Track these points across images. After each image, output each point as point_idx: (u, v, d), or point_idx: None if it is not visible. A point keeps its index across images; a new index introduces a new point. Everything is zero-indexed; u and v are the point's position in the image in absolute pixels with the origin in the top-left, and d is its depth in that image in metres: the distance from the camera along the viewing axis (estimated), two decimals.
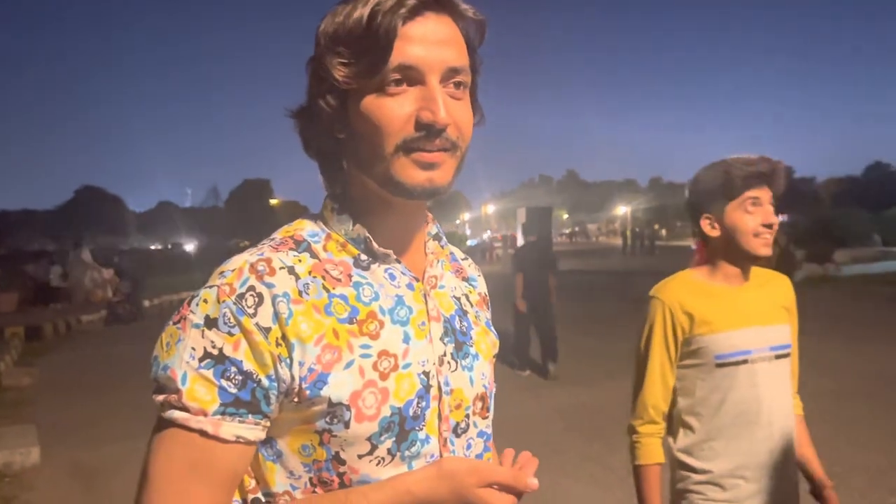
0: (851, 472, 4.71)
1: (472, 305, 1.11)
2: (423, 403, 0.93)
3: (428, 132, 0.87)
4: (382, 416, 0.89)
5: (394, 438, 0.90)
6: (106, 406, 7.49)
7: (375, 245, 0.95)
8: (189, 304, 0.87)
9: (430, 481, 0.87)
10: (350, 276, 0.93)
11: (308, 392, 0.85)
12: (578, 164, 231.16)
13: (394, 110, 0.87)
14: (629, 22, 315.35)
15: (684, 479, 1.91)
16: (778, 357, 1.90)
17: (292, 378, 0.84)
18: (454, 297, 1.06)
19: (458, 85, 0.90)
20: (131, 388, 8.00)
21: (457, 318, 1.04)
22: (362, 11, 0.85)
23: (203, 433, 0.82)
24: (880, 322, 11.52)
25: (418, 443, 0.92)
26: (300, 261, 0.90)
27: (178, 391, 0.83)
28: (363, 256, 0.96)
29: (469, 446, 1.00)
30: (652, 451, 1.92)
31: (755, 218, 1.83)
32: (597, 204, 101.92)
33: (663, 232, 70.25)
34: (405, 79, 0.87)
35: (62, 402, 7.90)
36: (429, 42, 0.86)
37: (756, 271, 1.97)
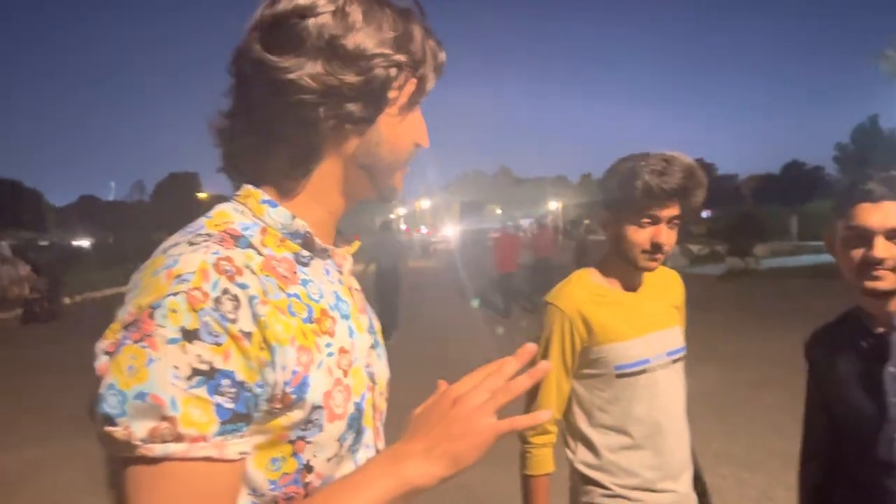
0: (769, 458, 4.92)
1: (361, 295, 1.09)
2: (367, 396, 0.95)
3: (416, 152, 0.99)
4: (349, 414, 0.89)
5: (354, 435, 0.91)
6: (21, 407, 7.16)
7: (318, 241, 0.93)
8: (151, 318, 0.75)
9: (410, 450, 0.83)
10: (295, 273, 0.89)
11: (293, 396, 0.81)
12: (511, 160, 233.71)
13: (420, 126, 0.98)
14: (560, 19, 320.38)
15: (588, 493, 1.85)
16: (675, 361, 1.88)
17: (276, 383, 0.80)
18: (355, 288, 1.05)
19: None
20: (48, 388, 7.75)
21: (367, 307, 1.06)
22: (434, 45, 0.95)
23: (207, 460, 0.74)
24: (796, 313, 12.05)
25: (363, 435, 0.95)
26: (249, 258, 0.84)
27: (169, 418, 0.72)
28: (304, 253, 0.93)
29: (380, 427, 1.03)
30: (543, 461, 1.85)
31: (644, 234, 1.76)
32: (529, 200, 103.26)
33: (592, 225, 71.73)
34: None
35: None
36: None
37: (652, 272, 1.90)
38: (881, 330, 1.57)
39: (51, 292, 16.01)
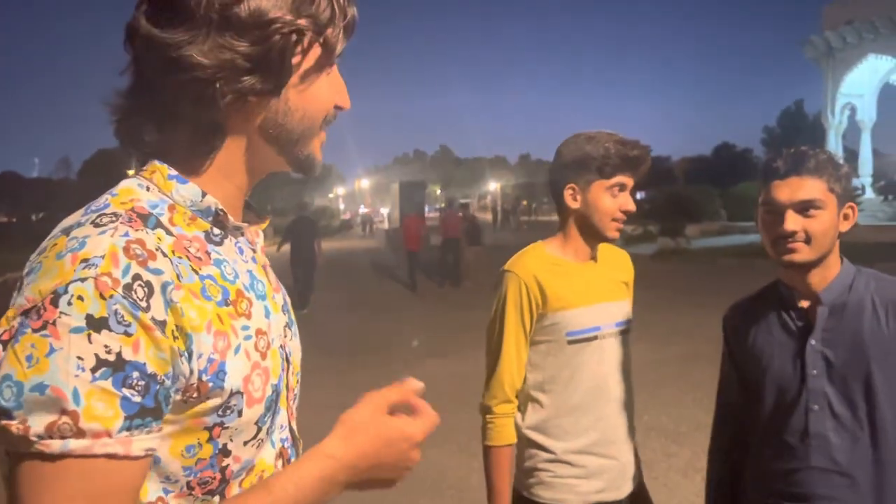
0: (696, 430, 5.10)
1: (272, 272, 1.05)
2: (283, 376, 0.92)
3: (333, 115, 0.93)
4: (267, 397, 0.86)
5: (271, 416, 0.89)
6: None
7: (231, 218, 0.89)
8: (53, 304, 0.69)
9: (347, 438, 0.83)
10: (208, 253, 0.85)
11: (210, 384, 0.78)
12: (451, 140, 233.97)
13: (328, 90, 0.91)
14: (499, 3, 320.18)
15: (533, 458, 1.90)
16: (622, 332, 1.97)
17: (191, 372, 0.76)
18: (268, 266, 1.02)
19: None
20: None
21: (279, 286, 1.03)
22: (343, 2, 0.88)
23: (110, 457, 0.70)
24: (724, 291, 12.46)
25: (278, 416, 0.93)
26: (160, 239, 0.79)
27: (70, 412, 0.67)
28: (215, 231, 0.88)
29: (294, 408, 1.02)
30: (505, 431, 1.89)
31: (617, 201, 1.87)
32: (469, 180, 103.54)
33: (534, 206, 72.60)
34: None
35: None
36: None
37: (601, 246, 2.00)
38: (804, 303, 1.62)
39: None
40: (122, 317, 0.71)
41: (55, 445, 0.68)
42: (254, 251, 0.96)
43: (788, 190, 1.57)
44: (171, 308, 0.75)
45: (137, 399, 0.71)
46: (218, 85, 0.80)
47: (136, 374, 0.71)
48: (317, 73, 0.88)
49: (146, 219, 0.81)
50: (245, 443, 0.85)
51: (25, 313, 0.71)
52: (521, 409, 1.93)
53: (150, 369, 0.72)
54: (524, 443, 1.92)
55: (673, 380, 6.59)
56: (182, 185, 0.86)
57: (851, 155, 26.11)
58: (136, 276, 0.73)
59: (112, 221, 0.77)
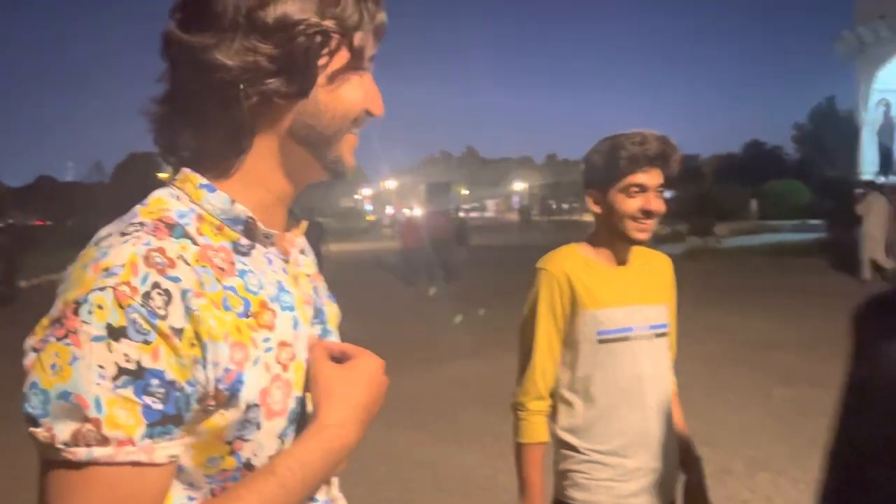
0: (724, 431, 5.05)
1: (315, 279, 1.05)
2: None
3: (364, 119, 0.93)
4: (290, 410, 0.86)
5: (295, 429, 0.88)
6: None
7: (261, 226, 0.89)
8: (75, 314, 0.72)
9: (329, 400, 0.86)
10: (233, 263, 0.85)
11: (227, 394, 0.78)
12: (477, 141, 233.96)
13: (358, 93, 0.90)
14: (525, 3, 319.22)
15: (567, 459, 1.89)
16: (657, 336, 1.93)
17: (208, 380, 0.77)
18: (307, 274, 1.01)
19: None
20: (1, 374, 7.68)
21: (314, 296, 1.01)
22: (372, 6, 0.88)
23: (135, 464, 0.72)
24: (753, 291, 12.32)
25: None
26: (184, 249, 0.80)
27: (93, 420, 0.70)
28: (244, 241, 0.88)
29: None
30: (537, 429, 1.89)
31: (635, 202, 1.83)
32: (495, 180, 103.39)
33: (565, 206, 72.20)
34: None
35: None
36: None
37: (638, 250, 1.97)
38: None
39: (6, 275, 15.60)
40: (141, 325, 0.72)
41: (81, 453, 0.70)
42: (286, 261, 0.95)
43: None
44: (191, 315, 0.76)
45: (159, 406, 0.73)
46: (242, 86, 0.81)
47: (155, 382, 0.73)
48: (345, 75, 0.88)
49: (172, 228, 0.82)
50: (270, 457, 0.85)
51: (53, 322, 0.74)
52: (554, 410, 1.92)
53: (169, 376, 0.73)
54: (558, 444, 1.91)
55: (699, 380, 6.52)
56: (211, 193, 0.87)
57: (886, 152, 25.58)
58: (155, 285, 0.74)
59: (136, 231, 0.79)
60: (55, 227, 47.64)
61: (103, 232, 0.82)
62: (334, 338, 1.02)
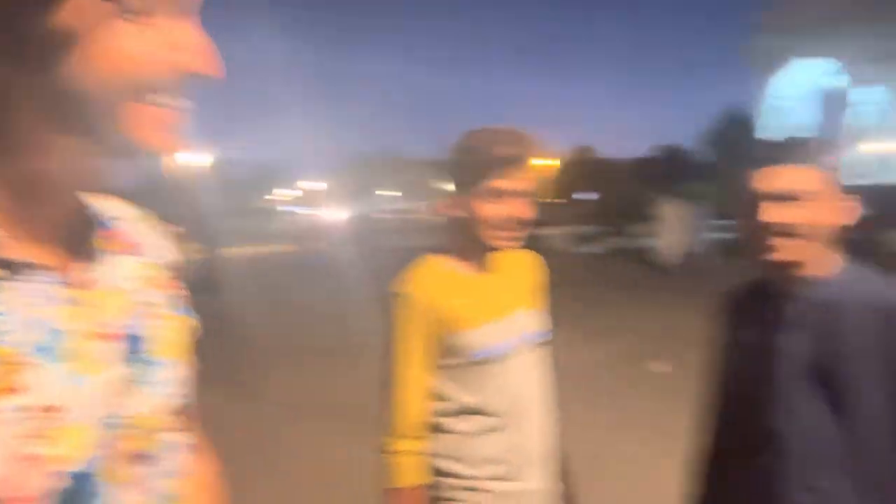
0: (645, 427, 5.18)
1: (157, 291, 0.80)
2: (101, 453, 0.68)
3: (175, 81, 0.65)
4: (53, 490, 0.62)
5: None
6: None
7: (15, 251, 0.63)
8: None
9: None
10: None
11: None
12: (401, 142, 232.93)
13: (184, 43, 0.64)
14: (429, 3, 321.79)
15: (440, 487, 1.73)
16: (536, 346, 1.81)
17: None
18: (130, 292, 0.76)
19: None
20: None
21: (135, 322, 0.75)
22: None
23: None
24: (667, 289, 12.80)
25: (101, 498, 0.68)
26: None
27: None
28: None
29: (154, 472, 0.76)
30: (412, 470, 1.68)
31: (498, 209, 1.65)
32: (419, 181, 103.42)
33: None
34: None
35: None
36: None
37: (505, 252, 1.78)
38: (780, 298, 1.54)
39: None
40: None
41: None
42: (67, 285, 0.68)
43: (770, 180, 1.46)
44: None
45: None
46: None
47: None
48: (106, 22, 0.60)
49: None
50: None
51: None
52: (429, 438, 1.73)
53: None
54: (434, 472, 1.73)
55: (615, 375, 6.71)
56: None
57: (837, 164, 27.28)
58: None
59: None
60: None
61: None
62: (165, 369, 0.77)
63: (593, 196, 32.19)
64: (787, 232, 1.44)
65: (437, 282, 1.70)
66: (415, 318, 1.67)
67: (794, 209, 1.43)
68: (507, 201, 1.66)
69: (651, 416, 5.44)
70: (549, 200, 35.17)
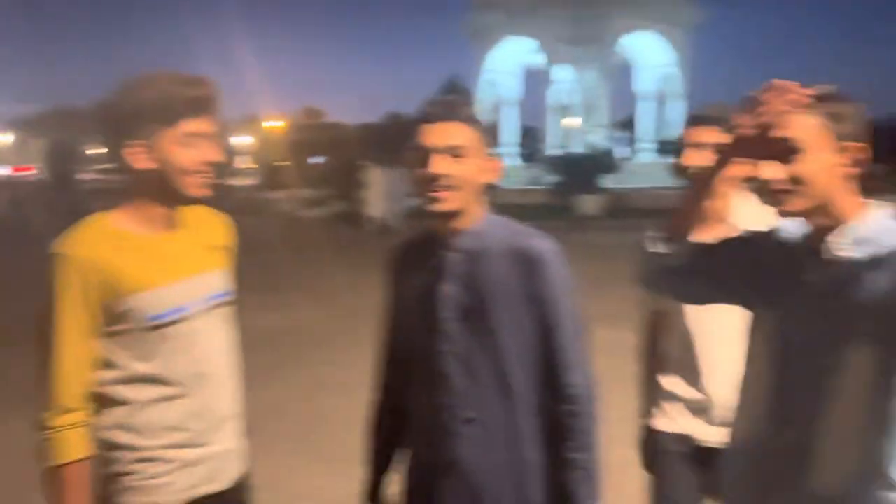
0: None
1: None
2: None
3: None
4: None
5: None
6: None
7: None
8: None
9: None
10: None
11: None
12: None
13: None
14: None
15: (114, 462, 1.62)
16: (218, 307, 1.76)
17: None
18: None
19: None
20: None
21: None
22: None
23: None
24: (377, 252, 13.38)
25: None
26: None
27: None
28: None
29: None
30: (73, 445, 1.55)
31: (192, 153, 1.60)
32: None
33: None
34: None
35: None
36: None
37: (190, 210, 1.73)
38: (439, 248, 1.68)
39: None
40: None
41: None
42: None
43: (437, 135, 1.59)
44: None
45: None
46: None
47: None
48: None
49: None
50: None
51: None
52: (96, 410, 1.61)
53: None
54: (102, 446, 1.61)
55: (343, 334, 6.96)
56: None
57: (493, 127, 29.60)
58: None
59: None
60: None
61: None
62: None
63: (320, 160, 32.21)
64: (449, 184, 1.58)
65: (103, 241, 1.59)
66: (75, 282, 1.54)
67: (456, 163, 1.58)
68: (197, 145, 1.61)
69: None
70: (278, 163, 34.42)
